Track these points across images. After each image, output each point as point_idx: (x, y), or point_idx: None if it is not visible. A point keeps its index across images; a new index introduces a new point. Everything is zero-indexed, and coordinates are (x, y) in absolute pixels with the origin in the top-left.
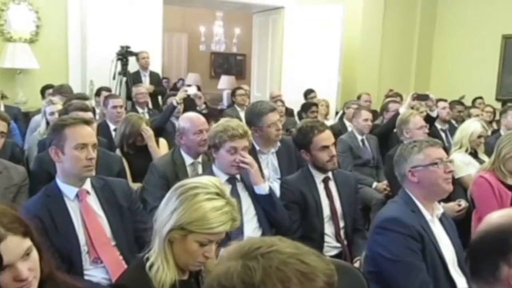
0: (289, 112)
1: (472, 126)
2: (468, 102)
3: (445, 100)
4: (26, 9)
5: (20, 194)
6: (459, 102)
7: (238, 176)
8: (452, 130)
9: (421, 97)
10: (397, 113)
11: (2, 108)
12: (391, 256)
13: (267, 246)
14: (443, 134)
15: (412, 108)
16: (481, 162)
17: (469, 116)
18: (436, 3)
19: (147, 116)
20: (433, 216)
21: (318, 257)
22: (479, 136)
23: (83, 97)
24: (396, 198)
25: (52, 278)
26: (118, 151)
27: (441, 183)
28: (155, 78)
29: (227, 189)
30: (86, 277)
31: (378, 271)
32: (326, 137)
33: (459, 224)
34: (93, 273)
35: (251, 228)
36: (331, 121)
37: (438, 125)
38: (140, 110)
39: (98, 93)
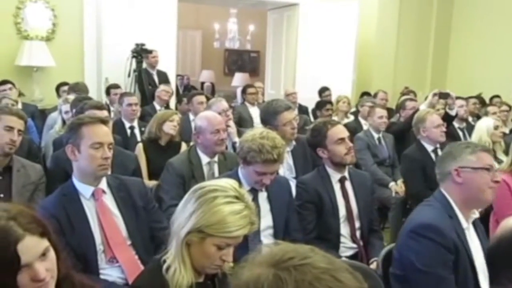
0: (303, 110)
1: (484, 123)
2: (485, 99)
3: (462, 98)
4: (42, 7)
5: (37, 192)
6: (475, 96)
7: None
8: (470, 128)
9: (443, 95)
10: (416, 111)
11: (20, 106)
12: (422, 266)
13: (300, 258)
14: (460, 133)
15: (433, 107)
16: (499, 162)
17: (486, 114)
18: None
19: None
20: (469, 223)
21: (351, 274)
22: (496, 128)
23: (88, 98)
24: (432, 200)
25: (69, 278)
26: (139, 147)
27: (486, 190)
28: (162, 77)
29: (246, 192)
30: (102, 276)
31: (404, 276)
32: (340, 130)
33: None
34: (108, 272)
35: (268, 233)
36: (351, 117)
37: (455, 123)
38: (157, 107)
39: (107, 91)
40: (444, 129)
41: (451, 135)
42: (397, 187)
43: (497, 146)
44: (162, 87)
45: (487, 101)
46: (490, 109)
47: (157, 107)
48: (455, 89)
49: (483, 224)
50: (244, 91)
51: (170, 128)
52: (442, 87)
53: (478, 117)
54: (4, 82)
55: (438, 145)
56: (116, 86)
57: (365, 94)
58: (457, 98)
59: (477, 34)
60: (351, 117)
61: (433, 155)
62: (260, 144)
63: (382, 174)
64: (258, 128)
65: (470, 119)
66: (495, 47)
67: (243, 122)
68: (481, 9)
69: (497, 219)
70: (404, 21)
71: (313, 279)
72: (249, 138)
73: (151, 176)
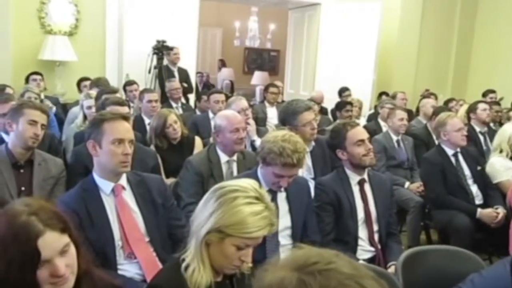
0: (323, 111)
1: (509, 130)
2: (507, 104)
3: (485, 102)
4: (66, 2)
5: (57, 186)
6: (496, 102)
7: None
8: (491, 133)
9: None
10: None
11: (42, 97)
12: None
13: (325, 263)
14: (481, 137)
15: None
16: None
17: (509, 119)
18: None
19: (180, 111)
20: None
21: (375, 281)
22: None
23: (113, 90)
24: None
25: (89, 275)
26: (152, 147)
27: None
28: (183, 74)
29: (266, 192)
30: (119, 272)
31: None
32: (360, 131)
33: (497, 231)
34: (126, 268)
35: (286, 234)
36: (362, 120)
37: (476, 127)
38: (174, 104)
39: (124, 87)
40: (465, 133)
41: (472, 140)
42: (412, 185)
43: None
44: (168, 86)
45: (509, 104)
46: None
47: (174, 104)
48: (476, 92)
49: (503, 231)
50: (266, 90)
51: (173, 133)
52: (463, 90)
53: (500, 123)
54: (35, 73)
55: (458, 149)
56: (132, 83)
57: (383, 94)
58: (480, 102)
59: (500, 37)
60: (362, 119)
61: (453, 159)
62: (281, 147)
63: (397, 178)
64: (282, 130)
65: (491, 123)
66: None
67: (258, 121)
68: (505, 12)
69: None
70: (427, 21)
71: (338, 284)
72: (271, 139)
73: (167, 175)
